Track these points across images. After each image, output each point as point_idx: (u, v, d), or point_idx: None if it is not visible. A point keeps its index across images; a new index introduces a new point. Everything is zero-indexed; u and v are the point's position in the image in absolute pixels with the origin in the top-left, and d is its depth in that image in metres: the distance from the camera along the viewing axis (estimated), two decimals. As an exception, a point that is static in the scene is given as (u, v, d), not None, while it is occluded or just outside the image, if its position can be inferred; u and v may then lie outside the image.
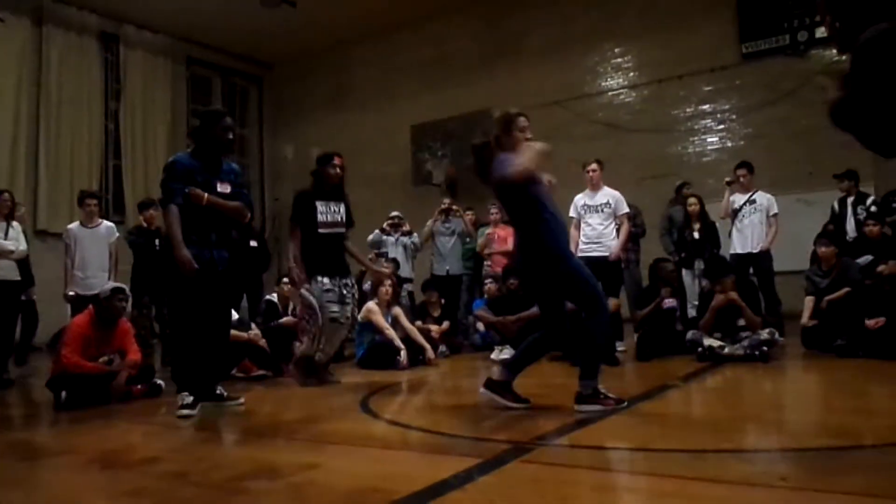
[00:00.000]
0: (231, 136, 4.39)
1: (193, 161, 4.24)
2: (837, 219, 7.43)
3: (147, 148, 12.89)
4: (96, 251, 6.66)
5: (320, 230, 5.18)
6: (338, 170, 5.34)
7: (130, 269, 7.06)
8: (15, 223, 6.57)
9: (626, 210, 6.61)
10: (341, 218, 5.33)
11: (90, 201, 6.82)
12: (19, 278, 6.47)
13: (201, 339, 4.21)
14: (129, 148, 12.72)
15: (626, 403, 3.53)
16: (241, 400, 4.32)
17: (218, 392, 4.29)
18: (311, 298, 5.10)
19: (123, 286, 5.02)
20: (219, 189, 4.26)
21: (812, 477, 2.30)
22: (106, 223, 6.90)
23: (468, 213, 8.73)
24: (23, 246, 6.53)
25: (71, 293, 6.55)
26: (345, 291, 5.22)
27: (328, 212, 5.25)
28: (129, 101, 12.82)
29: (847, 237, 7.17)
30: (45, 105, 11.54)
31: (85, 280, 6.50)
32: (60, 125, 11.69)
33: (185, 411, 3.95)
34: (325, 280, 5.13)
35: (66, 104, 11.79)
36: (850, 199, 7.40)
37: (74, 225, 6.82)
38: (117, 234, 6.90)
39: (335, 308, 5.12)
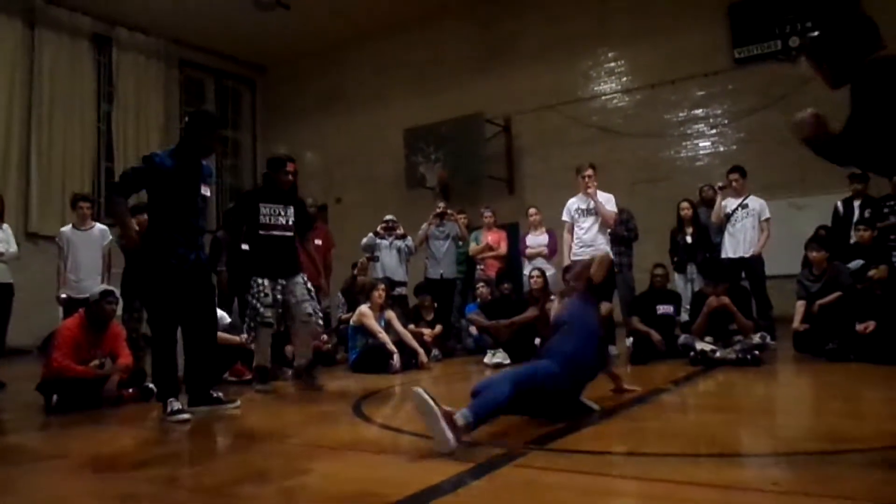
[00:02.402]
0: (218, 147, 4.41)
1: (174, 161, 4.16)
2: (842, 220, 7.41)
3: (140, 150, 12.73)
4: (89, 254, 6.64)
5: (260, 231, 5.16)
6: (290, 176, 5.28)
7: (122, 272, 7.02)
8: (5, 225, 6.55)
9: (615, 210, 6.67)
10: (287, 221, 5.25)
11: (83, 204, 6.80)
12: (11, 281, 6.43)
13: (192, 342, 4.22)
14: (121, 150, 12.69)
15: None
16: (238, 403, 4.33)
17: (214, 395, 4.28)
18: (252, 300, 5.10)
19: (113, 289, 5.00)
20: (202, 192, 4.27)
21: (804, 481, 2.30)
22: (99, 226, 6.87)
23: (461, 216, 8.74)
24: (13, 248, 6.49)
25: (63, 296, 6.52)
26: (279, 295, 5.11)
27: (271, 214, 5.19)
28: (121, 103, 12.79)
29: (851, 240, 7.13)
30: (37, 107, 11.50)
31: (78, 283, 6.47)
32: (53, 127, 11.65)
33: (182, 416, 3.92)
34: (264, 283, 5.09)
35: (58, 106, 11.76)
36: (856, 203, 7.37)
37: (67, 228, 6.79)
38: (110, 237, 6.87)
39: (268, 313, 5.08)
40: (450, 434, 2.71)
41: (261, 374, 5.26)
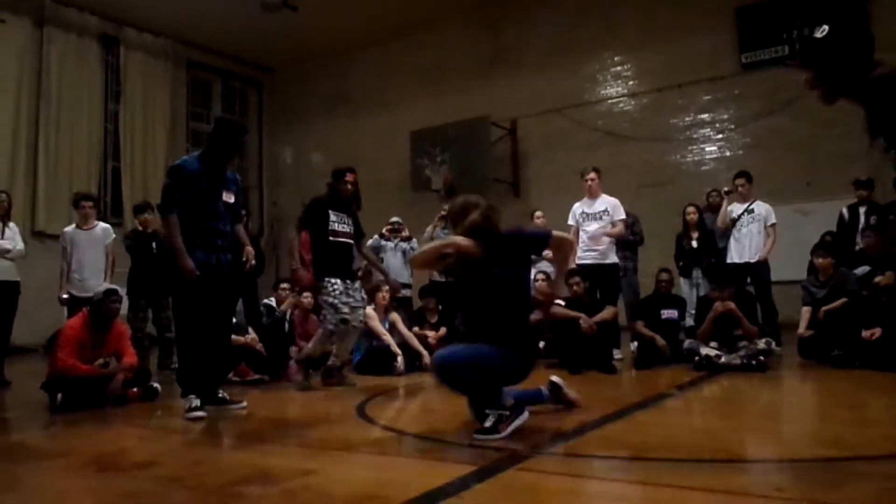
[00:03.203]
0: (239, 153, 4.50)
1: (201, 166, 4.27)
2: (847, 227, 7.37)
3: (146, 150, 12.88)
4: (92, 253, 6.64)
5: (331, 238, 5.39)
6: (349, 185, 5.55)
7: (128, 272, 7.04)
8: (11, 224, 6.56)
9: (623, 216, 6.65)
10: (350, 229, 5.55)
11: (85, 203, 6.79)
12: (18, 279, 6.45)
13: (206, 342, 4.25)
14: (128, 150, 12.71)
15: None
16: (244, 403, 4.37)
17: (220, 395, 4.33)
18: (330, 298, 5.27)
19: (116, 287, 5.01)
20: (224, 198, 4.35)
21: (808, 487, 2.30)
22: (102, 225, 6.87)
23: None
24: (20, 245, 6.51)
25: (65, 296, 6.53)
26: (356, 295, 5.46)
27: (339, 221, 5.48)
28: (128, 103, 12.82)
29: (857, 246, 7.09)
30: (44, 106, 11.52)
31: (82, 282, 6.48)
32: (60, 127, 11.68)
33: (198, 413, 3.99)
34: (337, 282, 5.30)
35: (65, 106, 11.78)
36: (862, 209, 7.33)
37: (70, 228, 6.80)
38: (113, 236, 6.87)
39: (346, 309, 5.30)
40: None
41: (328, 374, 5.44)
